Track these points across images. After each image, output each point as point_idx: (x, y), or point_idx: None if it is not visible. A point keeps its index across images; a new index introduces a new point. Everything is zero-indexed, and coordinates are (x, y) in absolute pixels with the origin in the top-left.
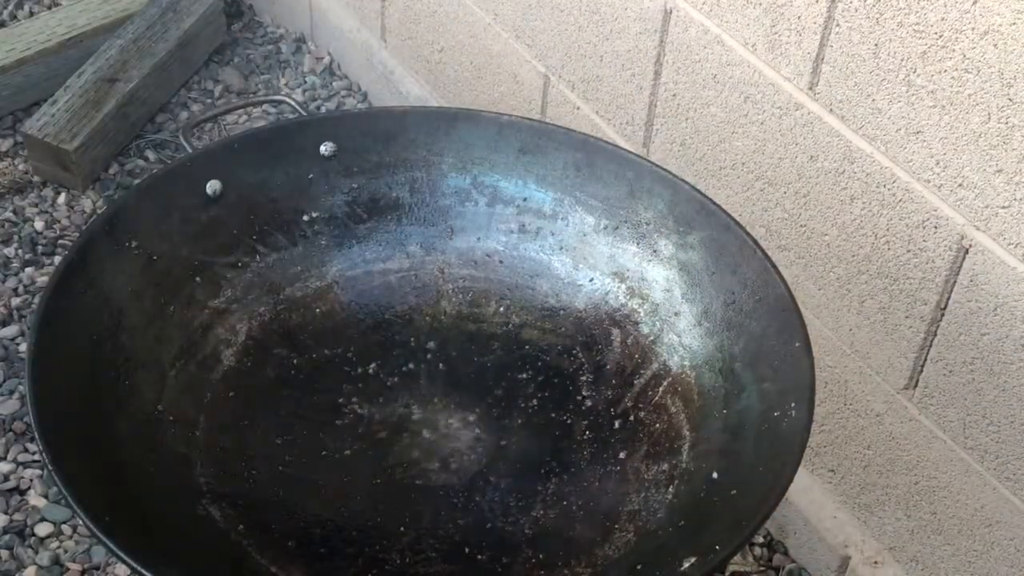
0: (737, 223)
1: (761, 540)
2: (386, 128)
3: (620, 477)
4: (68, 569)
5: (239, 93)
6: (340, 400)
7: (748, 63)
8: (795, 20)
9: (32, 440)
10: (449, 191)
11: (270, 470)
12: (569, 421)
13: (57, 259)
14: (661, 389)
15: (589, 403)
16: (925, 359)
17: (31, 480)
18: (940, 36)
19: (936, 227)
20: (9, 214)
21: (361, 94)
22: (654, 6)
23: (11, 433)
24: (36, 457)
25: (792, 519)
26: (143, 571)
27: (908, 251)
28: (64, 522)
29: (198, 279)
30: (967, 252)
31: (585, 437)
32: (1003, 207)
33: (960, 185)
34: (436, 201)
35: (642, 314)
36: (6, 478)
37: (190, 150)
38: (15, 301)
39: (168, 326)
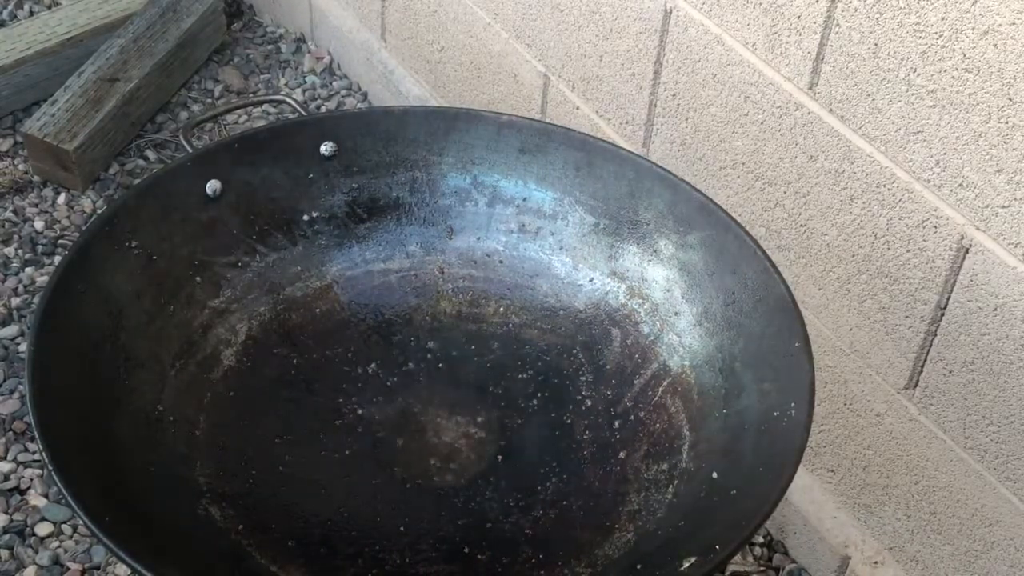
0: (737, 223)
1: (761, 540)
2: (386, 128)
3: (620, 477)
4: (68, 569)
5: (239, 93)
6: (340, 400)
7: (748, 63)
8: (795, 20)
9: (32, 440)
10: (449, 191)
11: (270, 470)
12: (569, 421)
13: (57, 259)
14: (661, 389)
15: (589, 403)
16: (925, 359)
17: (31, 480)
18: (940, 36)
19: (936, 227)
20: (9, 214)
21: (361, 94)
22: (654, 6)
23: (11, 433)
24: (36, 457)
25: (792, 519)
26: (143, 571)
27: (908, 251)
28: (64, 522)
29: (198, 279)
30: (967, 252)
31: (585, 437)
32: (1003, 207)
33: (960, 185)
34: (436, 201)
35: (642, 314)
36: (6, 478)
37: (190, 150)
38: (15, 301)
39: (168, 326)
